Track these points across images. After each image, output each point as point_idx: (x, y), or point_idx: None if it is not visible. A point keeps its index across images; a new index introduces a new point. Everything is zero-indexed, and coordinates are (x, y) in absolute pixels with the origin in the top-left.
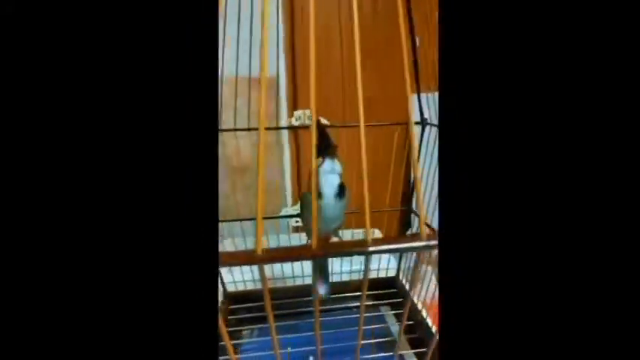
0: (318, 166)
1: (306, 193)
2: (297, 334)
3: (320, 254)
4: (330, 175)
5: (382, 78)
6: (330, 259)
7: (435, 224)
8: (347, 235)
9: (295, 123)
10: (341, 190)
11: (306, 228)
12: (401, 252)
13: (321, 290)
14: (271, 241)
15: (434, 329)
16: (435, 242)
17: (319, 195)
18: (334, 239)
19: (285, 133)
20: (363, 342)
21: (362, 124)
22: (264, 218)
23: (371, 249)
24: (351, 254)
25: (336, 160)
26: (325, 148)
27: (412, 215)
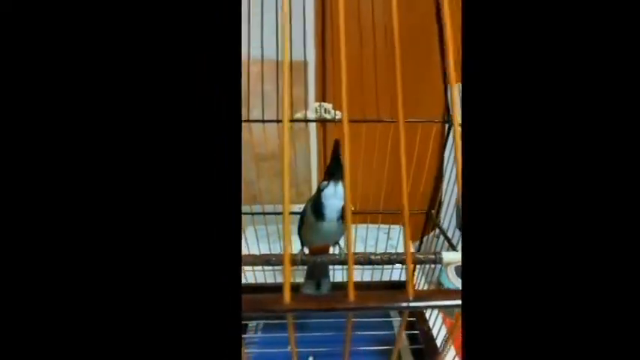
0: (322, 190)
1: (307, 212)
2: (301, 333)
3: (358, 307)
4: (332, 199)
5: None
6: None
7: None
8: (361, 231)
9: (310, 116)
10: (343, 213)
11: (303, 239)
12: None
13: (324, 289)
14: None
15: (438, 341)
16: None
17: (321, 217)
18: (335, 249)
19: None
20: (366, 348)
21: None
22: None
23: (412, 304)
24: (390, 309)
25: (340, 185)
26: (334, 172)
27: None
